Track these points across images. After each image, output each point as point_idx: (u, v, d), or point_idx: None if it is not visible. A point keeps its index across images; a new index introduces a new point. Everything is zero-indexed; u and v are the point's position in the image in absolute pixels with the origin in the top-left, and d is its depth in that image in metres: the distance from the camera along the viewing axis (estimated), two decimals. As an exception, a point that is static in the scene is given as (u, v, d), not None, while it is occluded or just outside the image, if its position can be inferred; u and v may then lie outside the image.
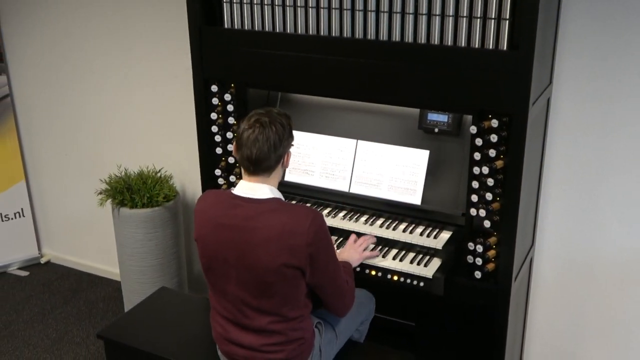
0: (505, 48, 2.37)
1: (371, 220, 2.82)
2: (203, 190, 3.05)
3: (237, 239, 2.21)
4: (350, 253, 2.63)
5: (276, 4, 2.69)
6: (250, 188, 2.26)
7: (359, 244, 2.68)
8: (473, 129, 2.45)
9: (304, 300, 2.31)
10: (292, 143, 2.32)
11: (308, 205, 2.84)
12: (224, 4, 2.80)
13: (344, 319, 2.55)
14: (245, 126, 2.23)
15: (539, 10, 2.22)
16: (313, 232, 2.18)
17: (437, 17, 2.44)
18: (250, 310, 2.28)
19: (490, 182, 2.47)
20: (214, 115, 2.94)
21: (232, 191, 2.31)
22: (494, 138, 2.42)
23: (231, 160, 2.99)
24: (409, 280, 2.61)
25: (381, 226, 2.78)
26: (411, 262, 2.66)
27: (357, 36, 2.59)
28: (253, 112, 2.28)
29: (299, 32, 2.69)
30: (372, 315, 2.78)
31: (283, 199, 2.31)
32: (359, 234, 2.76)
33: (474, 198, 2.52)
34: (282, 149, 2.25)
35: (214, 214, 2.27)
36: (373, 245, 2.73)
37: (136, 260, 3.61)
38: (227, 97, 2.90)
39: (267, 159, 2.22)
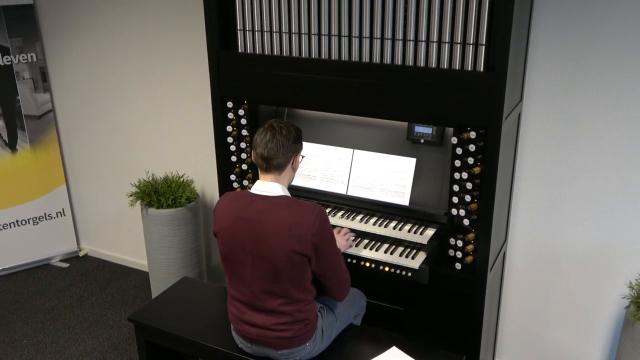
0: (482, 69, 2.37)
1: (365, 218, 2.82)
2: (220, 192, 3.05)
3: (253, 230, 2.22)
4: (338, 240, 2.63)
5: (283, 31, 2.70)
6: (264, 186, 2.28)
7: (343, 233, 2.69)
8: (454, 140, 2.45)
9: (309, 286, 2.32)
10: (302, 150, 2.34)
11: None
12: (238, 31, 2.81)
13: (342, 307, 2.56)
14: (260, 130, 2.27)
15: (511, 37, 2.23)
16: (318, 224, 2.19)
17: (423, 42, 2.44)
18: (263, 293, 2.28)
19: (469, 185, 2.47)
20: (229, 128, 2.95)
21: (248, 190, 2.32)
22: (472, 148, 2.42)
23: (244, 167, 2.99)
24: (398, 271, 2.61)
25: (374, 224, 2.78)
26: (400, 255, 2.66)
27: (353, 59, 2.60)
28: (267, 121, 2.32)
29: (303, 55, 2.69)
30: (364, 311, 2.78)
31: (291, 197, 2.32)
32: (356, 232, 2.77)
33: (455, 200, 2.52)
34: (291, 150, 2.27)
35: (234, 209, 2.28)
36: (353, 235, 2.75)
37: (162, 254, 3.61)
38: (241, 112, 2.90)
39: (277, 157, 2.23)
